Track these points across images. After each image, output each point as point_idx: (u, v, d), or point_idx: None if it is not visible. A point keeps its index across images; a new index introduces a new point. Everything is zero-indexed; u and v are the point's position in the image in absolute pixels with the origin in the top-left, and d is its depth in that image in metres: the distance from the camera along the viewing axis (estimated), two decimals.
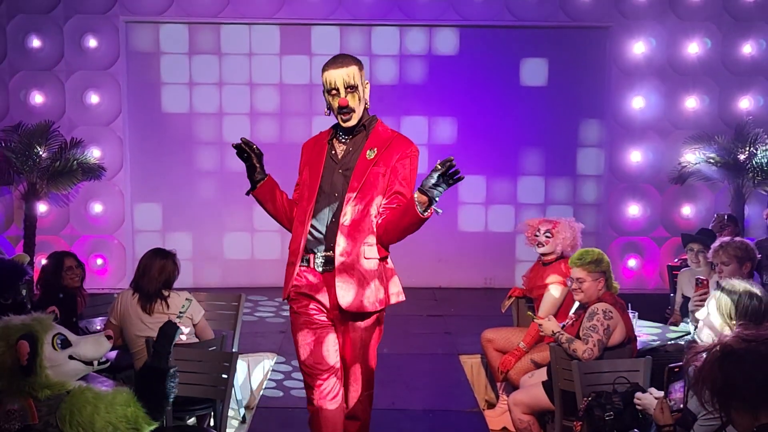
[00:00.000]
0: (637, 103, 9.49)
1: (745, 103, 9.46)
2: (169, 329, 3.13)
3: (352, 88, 3.70)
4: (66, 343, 2.92)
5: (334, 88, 3.71)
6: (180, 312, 4.84)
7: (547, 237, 5.64)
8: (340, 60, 3.76)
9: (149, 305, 5.01)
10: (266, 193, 3.88)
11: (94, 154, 9.19)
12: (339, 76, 3.69)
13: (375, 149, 3.73)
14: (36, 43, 9.20)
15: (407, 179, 3.73)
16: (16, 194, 9.10)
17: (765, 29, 9.50)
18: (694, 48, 9.43)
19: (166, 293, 5.05)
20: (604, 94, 9.68)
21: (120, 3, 9.30)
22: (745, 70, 9.51)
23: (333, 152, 3.82)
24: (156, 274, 5.06)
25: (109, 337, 3.04)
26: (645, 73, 9.49)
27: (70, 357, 2.91)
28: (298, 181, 3.93)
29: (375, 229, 3.70)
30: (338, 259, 3.68)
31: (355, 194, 3.68)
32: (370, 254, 3.71)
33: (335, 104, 3.72)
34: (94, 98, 9.31)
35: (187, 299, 5.09)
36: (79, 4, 9.27)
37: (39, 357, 2.82)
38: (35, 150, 8.74)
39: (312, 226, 3.75)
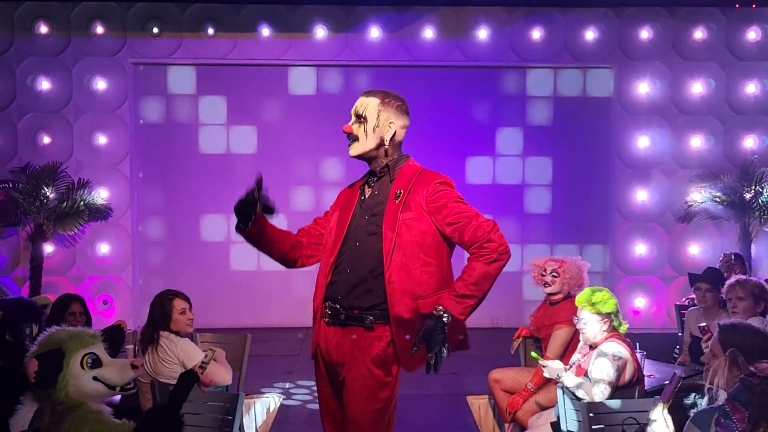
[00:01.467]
0: (643, 142, 9.52)
1: (750, 143, 9.49)
2: (189, 378, 3.15)
3: (359, 118, 3.51)
4: (97, 363, 2.97)
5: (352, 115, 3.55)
6: (203, 362, 4.72)
7: (553, 276, 5.60)
8: (370, 90, 3.62)
9: (143, 347, 4.95)
10: (256, 232, 3.49)
11: (101, 194, 9.23)
12: (356, 103, 3.55)
13: (401, 191, 3.46)
14: (45, 85, 9.30)
15: (453, 214, 3.39)
16: (23, 235, 9.12)
17: None
18: (698, 88, 9.49)
19: (164, 335, 4.94)
20: (610, 133, 9.72)
21: (128, 45, 9.41)
22: (749, 109, 9.56)
23: (362, 198, 3.56)
24: (148, 318, 5.03)
25: (134, 366, 3.07)
26: (650, 113, 9.55)
27: (95, 378, 2.95)
28: (319, 220, 3.73)
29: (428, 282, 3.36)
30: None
31: (392, 245, 3.35)
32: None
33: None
34: (101, 139, 9.38)
35: (211, 349, 4.86)
36: (88, 47, 9.38)
37: (63, 372, 2.88)
38: (42, 191, 8.79)
39: (333, 275, 3.47)
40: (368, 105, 3.51)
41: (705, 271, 6.61)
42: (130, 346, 5.28)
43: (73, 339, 2.96)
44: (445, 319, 3.25)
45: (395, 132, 3.56)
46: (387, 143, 3.53)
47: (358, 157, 3.55)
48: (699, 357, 5.41)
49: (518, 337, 5.98)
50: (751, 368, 2.80)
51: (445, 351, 3.22)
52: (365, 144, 3.51)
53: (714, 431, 2.84)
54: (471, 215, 3.42)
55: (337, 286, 3.45)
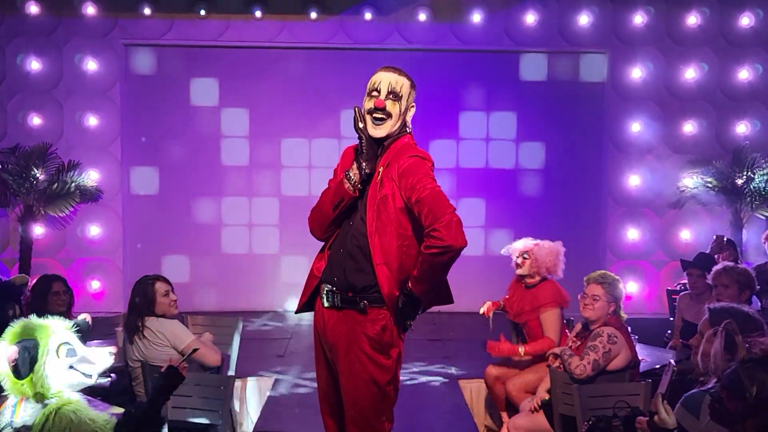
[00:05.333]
0: (635, 127, 9.51)
1: (742, 128, 9.49)
2: (173, 377, 3.12)
3: (395, 96, 3.32)
4: (72, 353, 2.96)
5: (376, 89, 3.33)
6: (183, 357, 4.67)
7: (524, 258, 5.60)
8: (394, 67, 3.41)
9: (129, 336, 4.90)
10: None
11: (91, 176, 9.17)
12: (387, 78, 3.33)
13: (380, 169, 3.33)
14: (35, 65, 9.21)
15: (416, 189, 3.19)
16: (12, 216, 9.06)
17: (761, 55, 9.56)
18: (690, 73, 9.48)
19: (150, 319, 4.86)
20: (603, 118, 9.70)
21: (120, 26, 9.32)
22: (741, 95, 9.56)
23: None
24: (129, 306, 4.98)
25: (110, 354, 3.09)
26: (642, 98, 9.54)
27: (71, 367, 2.94)
28: (330, 184, 3.53)
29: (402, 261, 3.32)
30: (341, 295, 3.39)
31: (374, 226, 3.30)
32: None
33: (370, 105, 3.32)
34: (92, 120, 9.31)
35: (194, 349, 4.83)
36: (79, 27, 9.28)
37: (38, 362, 2.87)
38: (32, 172, 8.73)
39: (329, 252, 3.46)
40: (404, 84, 3.37)
41: (696, 256, 6.64)
42: (119, 329, 5.25)
43: (47, 329, 2.96)
44: (409, 296, 3.33)
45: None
46: (408, 127, 3.43)
47: (382, 137, 3.37)
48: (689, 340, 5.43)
49: (490, 313, 5.94)
50: (746, 343, 2.80)
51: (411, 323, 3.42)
52: (394, 125, 3.37)
53: (708, 418, 2.84)
54: (431, 196, 3.18)
55: (332, 266, 3.42)
